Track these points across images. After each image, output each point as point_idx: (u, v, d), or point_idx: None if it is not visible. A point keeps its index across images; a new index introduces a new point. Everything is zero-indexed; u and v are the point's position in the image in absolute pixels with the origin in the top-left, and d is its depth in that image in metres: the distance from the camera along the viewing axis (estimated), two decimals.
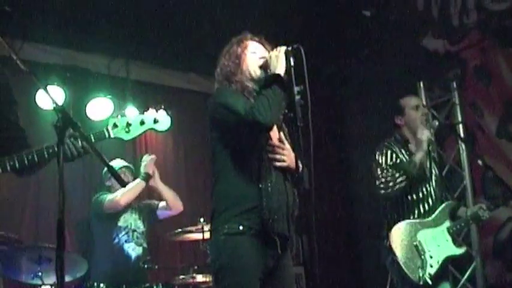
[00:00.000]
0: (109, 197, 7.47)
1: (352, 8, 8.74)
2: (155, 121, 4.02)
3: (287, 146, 4.57)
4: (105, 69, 9.07)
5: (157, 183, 7.70)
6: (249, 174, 4.34)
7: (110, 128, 3.91)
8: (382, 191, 6.06)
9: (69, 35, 8.37)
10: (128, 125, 3.93)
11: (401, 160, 6.12)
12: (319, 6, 8.43)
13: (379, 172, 6.13)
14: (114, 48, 8.83)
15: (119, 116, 3.95)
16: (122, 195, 7.38)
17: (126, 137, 3.96)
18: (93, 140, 3.85)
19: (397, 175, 5.99)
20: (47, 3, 7.66)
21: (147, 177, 7.51)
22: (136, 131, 3.96)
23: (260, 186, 4.30)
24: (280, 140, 4.56)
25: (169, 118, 4.08)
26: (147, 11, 8.18)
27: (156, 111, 4.04)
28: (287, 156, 4.51)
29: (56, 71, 8.31)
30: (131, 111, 3.99)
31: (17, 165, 3.77)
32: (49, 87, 7.50)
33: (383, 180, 6.04)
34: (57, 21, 8.04)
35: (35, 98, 8.03)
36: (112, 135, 3.92)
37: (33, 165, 3.79)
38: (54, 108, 3.33)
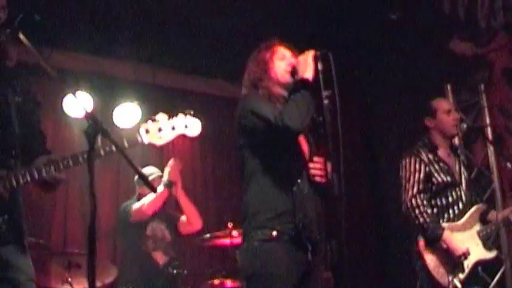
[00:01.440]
0: (135, 206, 7.42)
1: (379, 11, 8.72)
2: (186, 126, 4.04)
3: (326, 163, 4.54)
4: (131, 76, 9.11)
5: (179, 193, 7.61)
6: (279, 179, 4.34)
7: (142, 133, 3.94)
8: (405, 210, 6.07)
9: (96, 42, 8.42)
10: (159, 130, 3.96)
11: (429, 172, 6.10)
12: (346, 10, 8.42)
13: (408, 187, 6.11)
14: (140, 54, 8.86)
15: (150, 122, 3.98)
16: (147, 205, 7.32)
17: (159, 142, 4.00)
18: (126, 145, 3.89)
19: (425, 216, 5.96)
20: (74, 11, 7.72)
21: (170, 185, 7.42)
22: (167, 136, 4.01)
23: (294, 190, 4.30)
24: (311, 153, 4.57)
25: (199, 123, 4.12)
26: (172, 18, 8.20)
27: (186, 116, 4.06)
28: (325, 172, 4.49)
29: (83, 77, 8.35)
30: (162, 117, 4.00)
31: (52, 170, 3.82)
32: (77, 94, 7.55)
33: (414, 204, 6.00)
34: (84, 28, 8.09)
35: (62, 105, 8.09)
36: (145, 141, 3.95)
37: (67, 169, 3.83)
38: (84, 115, 3.35)
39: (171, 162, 7.60)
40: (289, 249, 4.25)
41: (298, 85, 4.39)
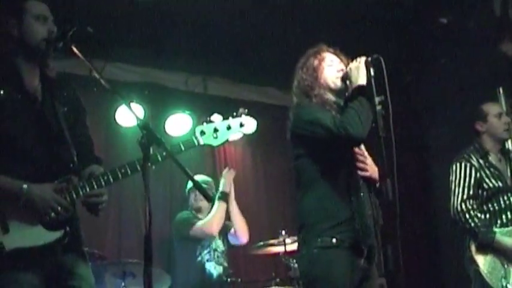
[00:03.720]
0: (199, 223, 7.34)
1: (429, 15, 8.66)
2: (241, 125, 4.04)
3: (367, 156, 4.57)
4: (183, 86, 9.16)
5: (231, 203, 7.64)
6: (339, 188, 4.35)
7: (198, 135, 3.96)
8: (454, 215, 6.02)
9: (147, 53, 8.49)
10: (215, 130, 3.98)
11: (480, 178, 6.05)
12: (395, 15, 8.38)
13: (458, 192, 6.07)
14: (191, 64, 8.90)
15: (205, 123, 3.99)
16: (214, 225, 7.28)
17: (215, 142, 4.01)
18: (183, 149, 3.94)
19: (476, 220, 5.91)
20: (126, 23, 7.78)
21: (225, 197, 7.44)
22: (224, 136, 4.02)
23: (351, 199, 4.30)
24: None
25: (254, 121, 4.10)
26: (223, 27, 8.23)
27: (241, 115, 4.07)
28: (369, 166, 4.51)
29: (135, 88, 8.42)
30: (217, 118, 4.01)
31: (111, 179, 3.86)
32: (130, 105, 7.62)
33: (464, 209, 5.97)
34: (136, 40, 8.16)
35: (115, 116, 8.16)
36: (202, 143, 3.98)
37: (124, 178, 3.88)
38: (138, 124, 3.37)
39: (224, 172, 7.62)
40: (348, 256, 4.26)
41: (354, 92, 4.38)
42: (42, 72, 4.07)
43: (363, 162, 4.51)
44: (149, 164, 3.30)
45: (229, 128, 4.02)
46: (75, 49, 3.76)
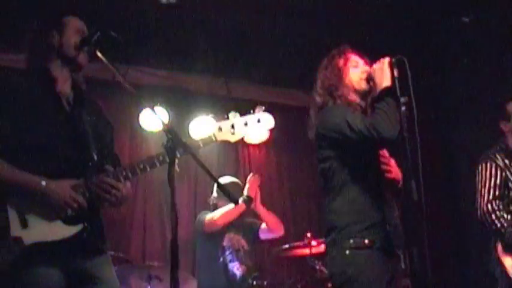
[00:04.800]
0: (208, 216, 7.44)
1: (452, 14, 8.62)
2: (258, 121, 4.08)
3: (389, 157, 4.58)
4: (206, 89, 9.17)
5: (258, 206, 7.63)
6: (369, 189, 4.36)
7: (215, 132, 4.00)
8: (480, 216, 5.97)
9: (170, 57, 8.52)
10: (232, 127, 4.01)
11: (505, 178, 6.00)
12: (417, 15, 8.35)
13: (483, 193, 6.02)
14: (214, 67, 8.92)
15: (223, 120, 4.03)
16: (219, 216, 7.33)
17: (232, 138, 4.09)
18: (201, 145, 3.97)
19: (502, 220, 5.87)
20: (149, 27, 7.82)
21: (249, 201, 7.44)
22: (241, 132, 4.09)
23: (381, 200, 4.31)
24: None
25: (271, 117, 4.14)
26: (245, 30, 8.24)
27: (258, 111, 4.10)
28: (392, 168, 4.51)
29: (158, 92, 8.45)
30: (234, 115, 4.06)
31: (129, 175, 3.93)
32: (154, 109, 7.65)
33: (490, 210, 5.91)
34: (159, 44, 8.19)
35: (139, 120, 8.19)
36: (219, 139, 4.04)
37: (143, 173, 3.99)
38: (163, 128, 3.39)
39: (250, 177, 7.63)
40: (380, 257, 4.27)
41: (381, 94, 4.37)
42: (74, 81, 4.20)
43: (386, 163, 4.51)
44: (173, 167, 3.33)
45: (246, 124, 4.07)
46: (99, 53, 3.84)
